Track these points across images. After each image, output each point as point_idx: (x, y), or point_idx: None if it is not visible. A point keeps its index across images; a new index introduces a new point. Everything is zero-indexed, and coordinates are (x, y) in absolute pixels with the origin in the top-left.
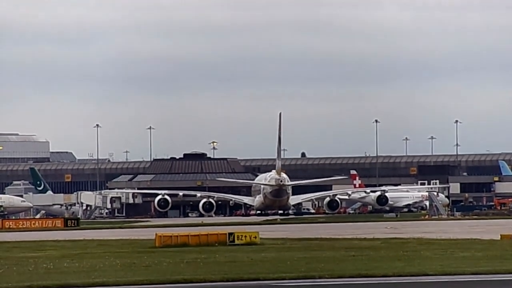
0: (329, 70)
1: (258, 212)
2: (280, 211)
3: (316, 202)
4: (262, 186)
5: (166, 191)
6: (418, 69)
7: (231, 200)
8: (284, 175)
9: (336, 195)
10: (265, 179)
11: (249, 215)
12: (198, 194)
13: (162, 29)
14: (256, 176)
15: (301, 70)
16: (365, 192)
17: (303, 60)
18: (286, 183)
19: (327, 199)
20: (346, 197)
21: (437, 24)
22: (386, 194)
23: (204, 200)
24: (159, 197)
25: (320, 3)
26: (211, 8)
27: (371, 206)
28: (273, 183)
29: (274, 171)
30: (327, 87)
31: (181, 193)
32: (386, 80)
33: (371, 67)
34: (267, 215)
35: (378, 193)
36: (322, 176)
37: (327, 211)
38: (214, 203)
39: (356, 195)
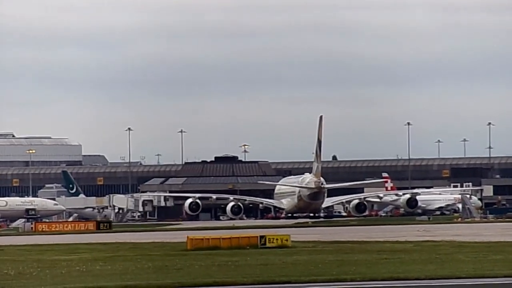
0: (361, 72)
1: (289, 215)
2: (311, 214)
3: (347, 205)
4: (297, 188)
5: (199, 195)
6: (451, 72)
7: (262, 203)
8: (321, 178)
9: (366, 198)
10: (299, 182)
11: (278, 218)
12: (231, 198)
13: (190, 33)
14: None
15: (332, 72)
16: (396, 195)
17: (333, 63)
18: (326, 186)
19: (355, 201)
20: (378, 200)
21: (470, 26)
22: (417, 197)
23: (233, 203)
24: (190, 200)
25: (347, 6)
26: (237, 11)
27: (403, 209)
28: (312, 185)
29: (307, 174)
30: (358, 89)
31: (214, 196)
32: (419, 83)
33: (403, 69)
34: (297, 218)
35: (408, 195)
36: (354, 179)
37: (354, 214)
38: (242, 206)
39: (388, 198)
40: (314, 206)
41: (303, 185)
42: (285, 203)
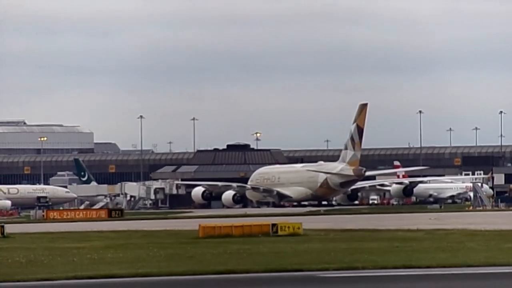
0: (373, 60)
1: (295, 203)
2: (315, 202)
3: (360, 194)
4: (323, 175)
5: (222, 183)
6: (463, 59)
7: (273, 191)
8: None
9: (374, 185)
10: (325, 168)
11: (284, 206)
12: (248, 186)
13: (199, 20)
14: None
15: (343, 60)
16: (401, 183)
17: (344, 51)
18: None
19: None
20: (389, 188)
21: (481, 15)
22: (428, 185)
23: (233, 192)
24: (203, 189)
25: None
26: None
27: (415, 197)
28: (350, 173)
29: (321, 162)
30: (369, 77)
31: (235, 185)
32: (430, 71)
33: (414, 58)
34: (304, 206)
35: (404, 184)
36: (365, 167)
37: (342, 203)
38: (243, 196)
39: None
40: (337, 193)
41: (336, 172)
42: (292, 191)
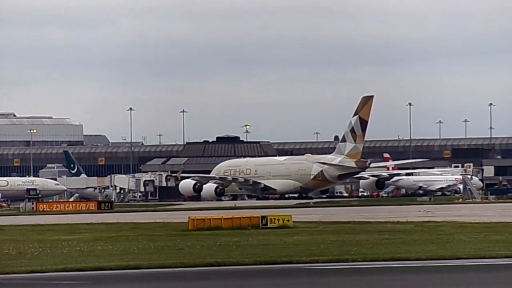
0: (363, 53)
1: (278, 196)
2: (297, 195)
3: (349, 186)
4: (319, 167)
5: (220, 176)
6: (452, 52)
7: (260, 184)
8: None
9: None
10: (322, 160)
11: (267, 198)
12: (242, 179)
13: (187, 13)
14: None
15: (332, 53)
16: (373, 175)
17: (334, 44)
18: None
19: None
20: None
21: (472, 6)
22: (418, 177)
23: (216, 185)
24: (193, 181)
25: None
26: None
27: (404, 190)
28: (352, 165)
29: (308, 154)
30: (360, 70)
31: (230, 178)
32: (420, 63)
33: (403, 50)
34: (288, 198)
35: (376, 177)
36: None
37: (314, 196)
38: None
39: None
40: (331, 186)
41: (335, 163)
42: (277, 183)
